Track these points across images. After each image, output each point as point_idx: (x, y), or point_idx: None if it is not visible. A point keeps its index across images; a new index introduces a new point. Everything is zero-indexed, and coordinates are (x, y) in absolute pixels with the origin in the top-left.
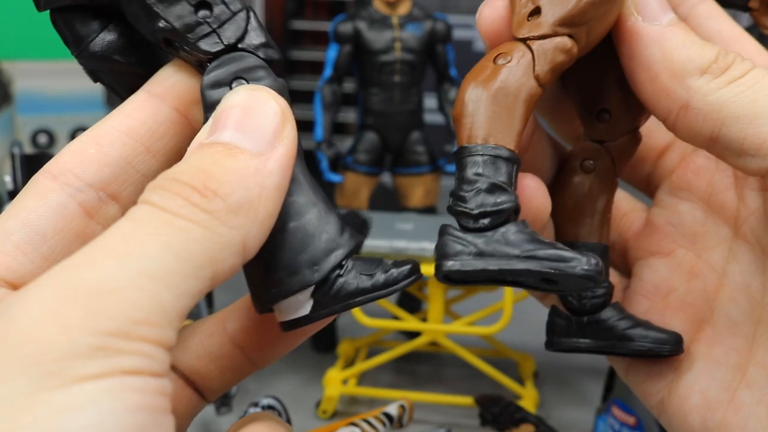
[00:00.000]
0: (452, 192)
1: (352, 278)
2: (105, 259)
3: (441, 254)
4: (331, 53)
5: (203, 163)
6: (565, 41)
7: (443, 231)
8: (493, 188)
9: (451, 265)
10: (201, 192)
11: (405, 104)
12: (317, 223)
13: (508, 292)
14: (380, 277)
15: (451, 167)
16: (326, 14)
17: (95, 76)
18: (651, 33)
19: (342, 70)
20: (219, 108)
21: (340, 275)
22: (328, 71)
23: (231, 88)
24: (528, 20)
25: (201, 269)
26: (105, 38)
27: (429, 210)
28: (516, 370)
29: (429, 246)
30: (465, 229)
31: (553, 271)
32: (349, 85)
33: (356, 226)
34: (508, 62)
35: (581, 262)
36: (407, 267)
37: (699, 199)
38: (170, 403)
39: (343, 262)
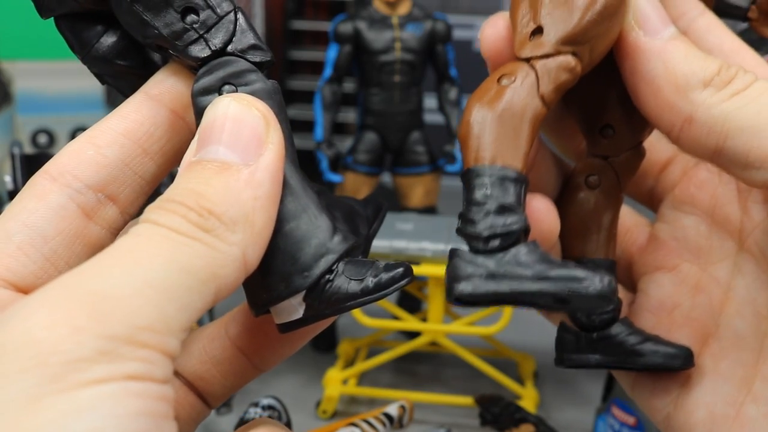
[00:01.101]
0: (461, 214)
1: (342, 283)
2: (111, 268)
3: (452, 277)
4: (331, 53)
5: (194, 184)
6: (568, 60)
7: (453, 254)
8: (502, 209)
9: (462, 287)
10: (197, 212)
11: (405, 104)
12: (307, 228)
13: None
14: (370, 281)
15: (451, 167)
16: (326, 14)
17: (102, 79)
18: (653, 47)
19: (342, 70)
20: (203, 122)
21: (330, 280)
22: (328, 71)
23: (220, 94)
24: (530, 39)
25: (205, 284)
26: (106, 42)
27: (429, 210)
28: (516, 370)
29: (429, 246)
30: (475, 251)
31: (566, 291)
32: (349, 85)
33: (370, 216)
34: (513, 83)
35: (594, 282)
36: (398, 271)
37: (703, 212)
38: (172, 410)
39: (334, 267)
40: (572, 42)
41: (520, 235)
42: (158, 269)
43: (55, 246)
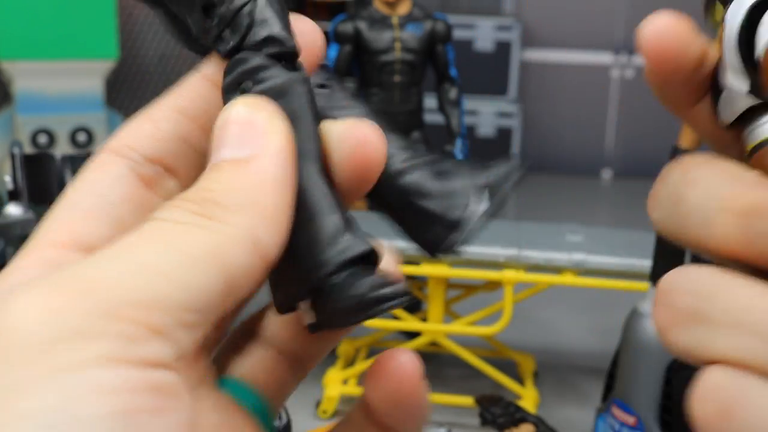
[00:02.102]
0: None
1: (341, 294)
2: (105, 258)
3: None
4: (331, 53)
5: (203, 183)
6: None
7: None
8: None
9: None
10: (199, 204)
11: (405, 104)
12: (315, 233)
13: (508, 293)
14: (368, 295)
15: None
16: (326, 14)
17: (155, 4)
18: None
19: (342, 70)
20: (214, 128)
21: (332, 288)
22: None
23: (242, 92)
24: None
25: (204, 262)
26: None
27: None
28: (516, 370)
29: None
30: None
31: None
32: (349, 85)
33: (499, 179)
34: None
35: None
36: (397, 288)
37: None
38: (167, 399)
39: (335, 276)
40: None
41: None
42: (152, 252)
43: (121, 212)
